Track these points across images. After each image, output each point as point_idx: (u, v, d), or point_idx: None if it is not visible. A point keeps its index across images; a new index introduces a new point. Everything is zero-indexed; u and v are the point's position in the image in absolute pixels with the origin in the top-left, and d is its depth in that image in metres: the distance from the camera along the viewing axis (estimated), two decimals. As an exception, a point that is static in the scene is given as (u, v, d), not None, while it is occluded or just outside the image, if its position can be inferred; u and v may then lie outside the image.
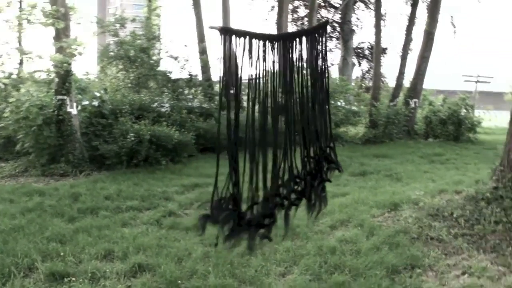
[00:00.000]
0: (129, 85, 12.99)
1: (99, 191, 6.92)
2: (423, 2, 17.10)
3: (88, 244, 4.72)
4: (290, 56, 2.81)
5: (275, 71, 2.80)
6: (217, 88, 15.32)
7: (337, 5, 23.88)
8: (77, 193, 6.75)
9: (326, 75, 3.03)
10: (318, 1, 19.32)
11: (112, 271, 4.08)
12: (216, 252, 4.55)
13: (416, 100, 15.54)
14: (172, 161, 9.31)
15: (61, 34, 8.45)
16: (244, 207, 2.89)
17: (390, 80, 17.16)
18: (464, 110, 15.19)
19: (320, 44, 2.92)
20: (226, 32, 2.61)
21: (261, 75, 2.76)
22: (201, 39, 15.38)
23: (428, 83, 17.16)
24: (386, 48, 22.14)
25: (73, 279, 3.93)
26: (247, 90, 2.87)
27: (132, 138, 8.44)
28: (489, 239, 4.71)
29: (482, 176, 8.34)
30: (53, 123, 8.45)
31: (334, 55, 25.15)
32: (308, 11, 23.32)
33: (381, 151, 12.55)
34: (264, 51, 2.71)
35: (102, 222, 5.49)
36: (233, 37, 2.61)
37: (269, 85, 2.82)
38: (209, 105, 12.33)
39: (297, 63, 2.86)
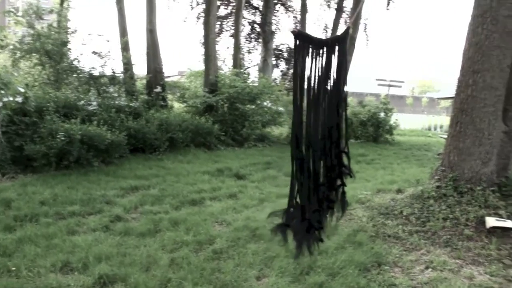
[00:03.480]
0: (47, 81, 12.06)
1: (32, 196, 6.31)
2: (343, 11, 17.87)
3: (39, 256, 4.28)
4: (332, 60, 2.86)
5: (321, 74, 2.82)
6: (138, 84, 14.87)
7: (256, 6, 24.16)
8: (8, 198, 6.10)
9: (346, 80, 3.06)
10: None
11: (77, 285, 3.73)
12: (183, 259, 4.37)
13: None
14: (103, 162, 8.80)
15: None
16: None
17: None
18: (383, 113, 16.14)
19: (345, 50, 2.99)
20: (299, 36, 2.75)
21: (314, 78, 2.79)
22: (124, 34, 14.77)
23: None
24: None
25: (35, 295, 3.54)
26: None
27: (62, 138, 7.82)
28: (441, 235, 5.01)
29: (409, 176, 8.94)
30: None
31: (254, 56, 25.52)
32: (227, 11, 23.43)
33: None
34: (321, 55, 2.81)
35: (46, 230, 5.00)
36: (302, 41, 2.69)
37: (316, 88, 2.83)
38: (138, 104, 11.81)
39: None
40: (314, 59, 2.81)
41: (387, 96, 19.61)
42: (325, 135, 2.94)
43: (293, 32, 2.74)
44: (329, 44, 2.86)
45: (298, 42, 2.73)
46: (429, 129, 26.04)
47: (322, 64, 2.83)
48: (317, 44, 2.81)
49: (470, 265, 4.38)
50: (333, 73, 2.88)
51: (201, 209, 6.31)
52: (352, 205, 6.42)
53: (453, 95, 17.65)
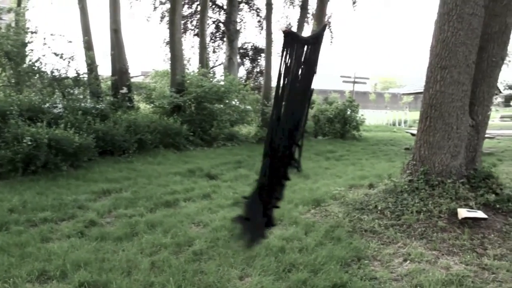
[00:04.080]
0: (8, 83, 11.65)
1: (-1, 204, 6.10)
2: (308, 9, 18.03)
3: (13, 266, 4.12)
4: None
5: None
6: (103, 85, 14.57)
7: (221, 4, 24.08)
8: (-27, 206, 5.88)
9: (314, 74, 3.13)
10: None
11: (58, 293, 3.64)
12: (163, 262, 4.32)
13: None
14: (72, 166, 8.59)
15: None
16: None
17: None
18: (350, 110, 16.40)
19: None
20: (289, 35, 2.93)
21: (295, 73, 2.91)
22: (87, 34, 14.43)
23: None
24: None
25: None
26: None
27: (29, 143, 7.58)
28: (416, 227, 5.14)
29: (379, 171, 9.13)
30: None
31: (219, 55, 25.44)
32: (191, 10, 23.27)
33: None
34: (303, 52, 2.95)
35: (19, 238, 4.83)
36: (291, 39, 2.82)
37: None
38: (104, 105, 11.57)
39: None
40: (297, 57, 2.94)
41: (352, 92, 19.93)
42: (291, 130, 3.06)
43: (284, 31, 2.82)
44: (310, 42, 2.95)
45: (286, 40, 2.82)
46: (394, 124, 26.66)
47: (303, 60, 2.93)
48: (302, 42, 2.89)
49: (445, 255, 4.52)
50: (308, 69, 2.99)
51: (176, 211, 6.24)
52: (327, 201, 6.52)
53: (416, 91, 18.06)
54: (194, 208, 6.34)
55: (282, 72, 2.94)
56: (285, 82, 2.95)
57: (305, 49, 2.93)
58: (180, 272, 4.05)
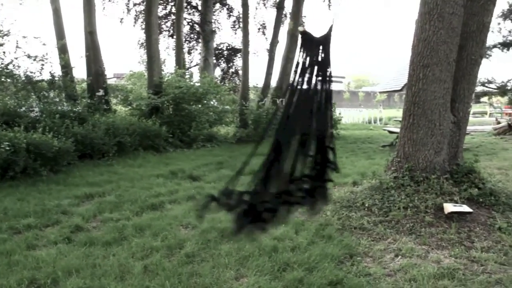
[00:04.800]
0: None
1: (-21, 211, 5.92)
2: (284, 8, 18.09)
3: (1, 275, 4.02)
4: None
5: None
6: (78, 88, 14.31)
7: (195, 5, 23.95)
8: (-48, 214, 5.69)
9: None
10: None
11: (51, 301, 3.56)
12: (156, 265, 4.27)
13: (283, 99, 16.39)
14: (51, 171, 8.40)
15: None
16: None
17: (259, 81, 17.81)
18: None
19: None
20: (305, 35, 2.98)
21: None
22: (61, 36, 14.15)
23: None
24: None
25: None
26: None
27: (7, 148, 7.38)
28: (404, 223, 5.23)
29: (360, 169, 9.24)
30: None
31: (194, 56, 25.31)
32: (166, 11, 23.07)
33: (258, 150, 12.93)
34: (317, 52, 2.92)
35: (3, 246, 4.69)
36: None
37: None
38: (82, 108, 11.36)
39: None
40: (313, 56, 2.96)
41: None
42: (308, 130, 3.05)
43: (301, 31, 2.87)
44: (323, 42, 3.00)
45: (303, 41, 2.87)
46: (369, 122, 27.02)
47: (319, 60, 2.97)
48: (316, 43, 2.94)
49: (435, 249, 4.61)
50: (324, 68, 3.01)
51: (163, 213, 6.18)
52: (314, 200, 6.55)
53: (392, 89, 18.29)
54: (180, 210, 6.29)
55: (299, 71, 2.96)
56: (302, 80, 2.97)
57: (320, 49, 2.98)
58: (175, 275, 4.02)
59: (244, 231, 3.06)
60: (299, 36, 2.97)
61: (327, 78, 3.03)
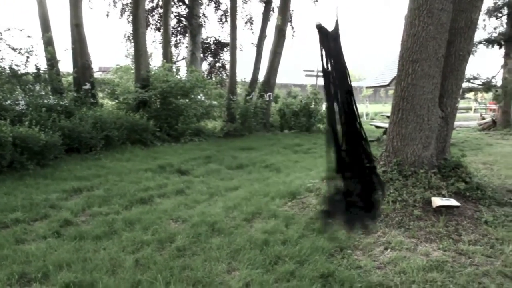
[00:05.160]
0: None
1: (-34, 206, 5.84)
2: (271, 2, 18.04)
3: (-11, 269, 3.99)
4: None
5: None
6: (64, 81, 14.13)
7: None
8: None
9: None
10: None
11: (42, 295, 3.53)
12: (147, 259, 4.27)
13: (270, 93, 16.44)
14: (38, 165, 8.32)
15: None
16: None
17: (247, 75, 17.74)
18: (314, 103, 16.58)
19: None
20: (321, 29, 3.23)
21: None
22: (46, 29, 13.95)
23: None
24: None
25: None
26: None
27: (-7, 142, 7.29)
28: (393, 217, 5.28)
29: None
30: None
31: (180, 49, 25.14)
32: (153, 4, 22.87)
33: (246, 144, 12.99)
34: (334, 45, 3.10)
35: (-8, 241, 4.67)
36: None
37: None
38: (68, 102, 11.23)
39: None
40: (332, 48, 3.30)
41: (314, 86, 20.15)
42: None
43: (317, 26, 3.03)
44: (336, 35, 3.17)
45: (321, 35, 3.05)
46: (355, 117, 27.10)
47: (337, 51, 3.16)
48: (330, 36, 3.12)
49: (424, 242, 4.68)
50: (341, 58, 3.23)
51: (153, 207, 6.17)
52: (303, 194, 6.60)
53: (380, 84, 18.43)
54: (170, 204, 6.28)
55: (325, 63, 3.17)
56: (330, 70, 3.20)
57: (337, 41, 3.15)
58: (166, 269, 4.02)
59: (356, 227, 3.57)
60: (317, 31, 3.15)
61: (345, 66, 3.23)
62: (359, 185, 3.48)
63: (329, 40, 3.11)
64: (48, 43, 13.62)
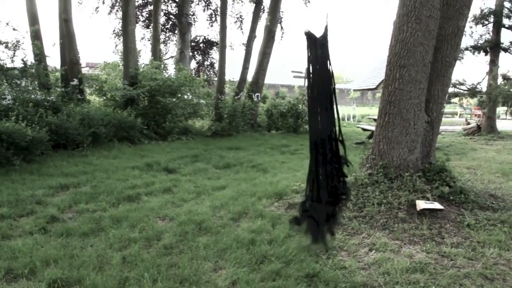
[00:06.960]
0: None
1: (-50, 201, 5.79)
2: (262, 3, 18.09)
3: (-25, 265, 3.98)
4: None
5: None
6: (51, 76, 14.02)
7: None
8: None
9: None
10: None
11: (29, 291, 3.53)
12: (135, 256, 4.29)
13: (259, 94, 16.50)
14: (24, 160, 8.27)
15: None
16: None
17: (235, 74, 17.78)
18: (302, 105, 16.68)
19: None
20: (310, 36, 3.24)
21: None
22: (33, 22, 13.82)
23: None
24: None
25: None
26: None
27: (-21, 136, 7.23)
28: (378, 219, 5.37)
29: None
30: None
31: (169, 47, 25.07)
32: (142, 1, 22.77)
33: (233, 144, 13.03)
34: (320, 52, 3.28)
35: (-23, 237, 4.65)
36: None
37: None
38: (55, 98, 11.15)
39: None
40: (319, 55, 3.24)
41: (302, 87, 20.27)
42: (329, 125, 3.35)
43: (305, 32, 3.05)
44: (324, 42, 3.18)
45: (309, 42, 3.08)
46: (343, 119, 27.39)
47: (323, 58, 3.17)
48: (318, 43, 3.14)
49: (408, 244, 4.77)
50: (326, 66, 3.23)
51: (140, 205, 6.18)
52: (289, 195, 6.67)
53: (368, 87, 18.56)
54: (157, 203, 6.30)
55: (311, 69, 3.20)
56: (315, 77, 3.20)
57: (324, 47, 3.17)
58: (153, 267, 4.04)
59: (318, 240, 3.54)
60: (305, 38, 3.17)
61: (329, 73, 3.24)
62: (324, 191, 3.50)
63: (317, 47, 3.16)
64: (36, 37, 13.49)
